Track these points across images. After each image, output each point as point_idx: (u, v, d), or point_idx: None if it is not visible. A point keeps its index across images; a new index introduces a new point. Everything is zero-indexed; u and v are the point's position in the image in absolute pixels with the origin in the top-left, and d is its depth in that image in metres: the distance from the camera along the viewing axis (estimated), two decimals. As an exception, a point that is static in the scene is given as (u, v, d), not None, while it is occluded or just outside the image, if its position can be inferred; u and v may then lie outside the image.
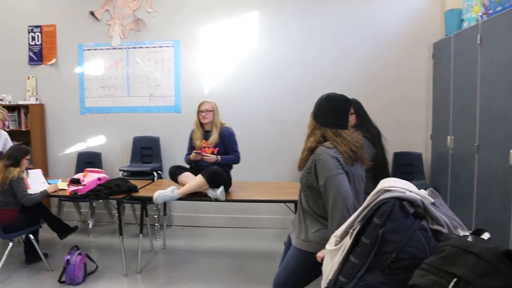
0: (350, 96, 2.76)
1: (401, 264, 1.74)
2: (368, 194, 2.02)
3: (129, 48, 6.09)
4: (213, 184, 4.17)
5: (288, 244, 2.74)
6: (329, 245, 2.08)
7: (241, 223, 5.94)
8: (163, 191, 4.16)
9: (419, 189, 1.93)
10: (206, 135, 4.51)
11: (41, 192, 4.56)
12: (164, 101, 6.02)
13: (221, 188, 4.17)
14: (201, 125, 4.55)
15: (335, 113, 2.49)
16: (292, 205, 4.14)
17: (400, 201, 1.80)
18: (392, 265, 1.75)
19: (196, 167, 4.49)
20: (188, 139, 4.68)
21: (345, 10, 5.64)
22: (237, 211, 5.85)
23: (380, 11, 5.58)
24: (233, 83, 5.85)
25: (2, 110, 5.24)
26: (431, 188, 2.00)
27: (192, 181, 4.18)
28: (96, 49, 6.21)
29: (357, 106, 3.54)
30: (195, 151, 4.44)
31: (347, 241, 1.92)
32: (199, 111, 4.51)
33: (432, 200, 1.90)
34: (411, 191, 1.86)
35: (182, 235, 5.68)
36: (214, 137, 4.44)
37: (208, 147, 4.46)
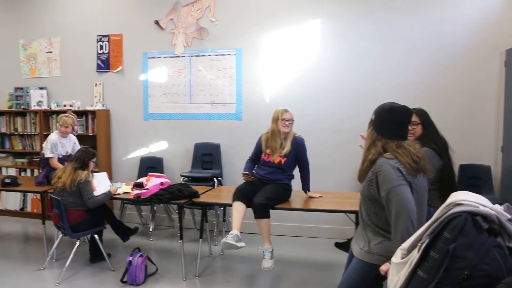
0: (414, 105, 2.66)
1: (474, 282, 1.65)
2: (434, 207, 1.93)
3: (192, 56, 6.20)
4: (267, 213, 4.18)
5: (351, 255, 2.68)
6: (395, 258, 2.01)
7: (300, 232, 5.88)
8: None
9: (492, 204, 1.83)
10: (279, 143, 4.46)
11: (104, 193, 4.72)
12: (225, 109, 6.08)
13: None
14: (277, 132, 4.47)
15: (397, 124, 2.42)
16: (353, 216, 4.05)
17: (473, 216, 1.71)
18: (464, 282, 1.66)
19: (257, 176, 4.53)
20: (256, 144, 4.65)
21: (410, 16, 5.46)
22: (296, 219, 5.80)
23: (447, 16, 5.35)
24: (294, 92, 5.82)
25: (72, 115, 5.47)
26: (508, 204, 1.88)
27: (262, 230, 4.15)
28: (160, 57, 6.37)
29: (423, 116, 3.40)
30: (244, 173, 4.46)
31: (415, 255, 1.85)
32: (280, 119, 4.41)
33: (509, 216, 1.79)
34: (484, 206, 1.76)
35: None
36: (287, 148, 4.39)
37: (278, 156, 4.43)
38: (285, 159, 4.40)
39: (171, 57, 6.31)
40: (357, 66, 5.62)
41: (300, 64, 5.80)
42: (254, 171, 4.62)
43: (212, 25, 6.11)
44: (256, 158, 4.65)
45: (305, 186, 4.56)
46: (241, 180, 4.53)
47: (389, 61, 5.53)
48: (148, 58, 6.43)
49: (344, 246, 4.45)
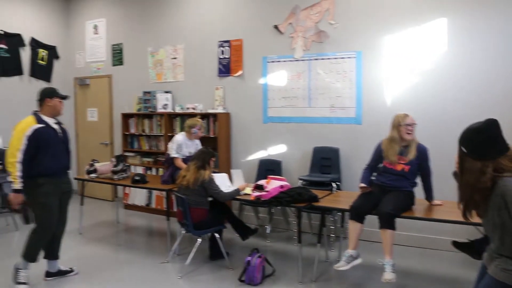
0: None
1: None
2: None
3: (311, 59, 6.19)
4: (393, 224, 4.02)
5: (482, 271, 2.48)
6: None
7: (421, 242, 5.58)
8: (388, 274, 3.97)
9: None
10: (402, 150, 4.31)
11: (234, 189, 4.94)
12: (344, 112, 5.97)
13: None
14: (398, 139, 4.32)
15: (495, 139, 2.23)
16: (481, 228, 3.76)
17: None
18: None
19: (377, 183, 4.40)
20: (374, 150, 4.54)
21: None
22: (417, 229, 5.51)
23: None
24: (417, 95, 5.53)
25: (200, 120, 5.77)
26: None
27: (385, 241, 4.01)
28: (279, 61, 6.44)
29: None
30: (362, 185, 4.35)
31: None
32: (402, 125, 4.26)
33: None
34: None
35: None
36: (412, 153, 4.23)
37: (400, 163, 4.27)
38: (408, 166, 4.24)
39: (291, 61, 6.34)
40: (487, 67, 5.17)
41: (423, 66, 5.49)
42: (373, 178, 4.49)
43: (331, 28, 6.03)
44: (374, 165, 4.52)
45: (429, 197, 4.37)
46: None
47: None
48: (268, 62, 6.52)
49: (463, 247, 4.15)
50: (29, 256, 4.38)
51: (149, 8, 7.80)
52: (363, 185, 4.37)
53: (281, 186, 4.75)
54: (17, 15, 8.23)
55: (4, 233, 6.45)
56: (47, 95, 4.43)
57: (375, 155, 4.51)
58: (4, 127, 7.89)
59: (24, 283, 4.38)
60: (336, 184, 5.65)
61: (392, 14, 5.64)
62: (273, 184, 4.79)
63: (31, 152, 4.15)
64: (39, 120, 4.28)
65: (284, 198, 4.59)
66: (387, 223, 3.97)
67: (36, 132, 4.19)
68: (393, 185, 4.27)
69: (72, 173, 8.68)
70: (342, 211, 5.08)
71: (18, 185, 4.12)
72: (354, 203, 4.24)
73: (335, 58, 6.01)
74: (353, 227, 4.19)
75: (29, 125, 4.20)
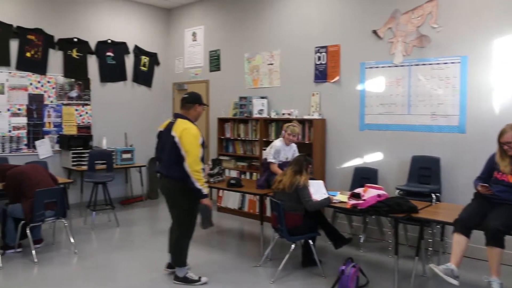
0: None
1: None
2: None
3: (411, 65, 5.97)
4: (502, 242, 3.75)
5: None
6: None
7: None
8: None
9: None
10: None
11: (323, 199, 4.85)
12: (447, 121, 5.68)
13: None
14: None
15: None
16: None
17: None
18: None
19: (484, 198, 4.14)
20: (486, 162, 4.29)
21: None
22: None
23: None
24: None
25: (298, 125, 5.80)
26: None
27: (492, 260, 3.76)
28: (377, 67, 6.29)
29: None
30: (482, 184, 4.09)
31: None
32: (499, 142, 4.06)
33: None
34: None
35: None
36: None
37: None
38: None
39: (389, 66, 6.16)
40: None
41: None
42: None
43: (434, 32, 5.78)
44: (486, 178, 4.25)
45: None
46: (462, 199, 4.18)
47: None
48: (366, 68, 6.40)
49: None
50: (183, 261, 4.68)
51: (246, 15, 7.98)
52: (484, 184, 4.10)
53: (379, 195, 4.60)
54: (123, 25, 8.86)
55: (107, 228, 6.90)
56: (199, 101, 4.65)
57: (487, 167, 4.26)
58: (109, 129, 8.51)
59: (199, 278, 4.67)
60: (436, 196, 5.38)
61: (503, 15, 5.25)
62: (370, 193, 4.66)
63: None
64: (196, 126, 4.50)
65: (382, 207, 4.44)
66: (495, 240, 3.71)
67: (201, 139, 4.45)
68: (502, 197, 3.99)
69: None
70: (443, 223, 4.86)
71: (207, 189, 4.43)
72: (461, 215, 4.01)
73: (438, 64, 5.75)
74: (457, 240, 3.94)
75: (198, 132, 4.42)
